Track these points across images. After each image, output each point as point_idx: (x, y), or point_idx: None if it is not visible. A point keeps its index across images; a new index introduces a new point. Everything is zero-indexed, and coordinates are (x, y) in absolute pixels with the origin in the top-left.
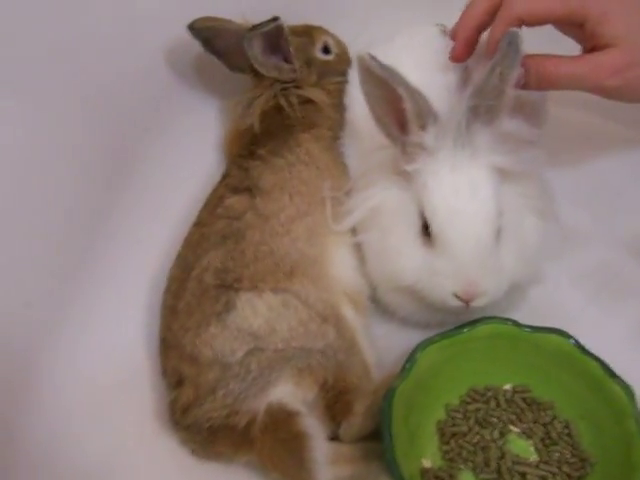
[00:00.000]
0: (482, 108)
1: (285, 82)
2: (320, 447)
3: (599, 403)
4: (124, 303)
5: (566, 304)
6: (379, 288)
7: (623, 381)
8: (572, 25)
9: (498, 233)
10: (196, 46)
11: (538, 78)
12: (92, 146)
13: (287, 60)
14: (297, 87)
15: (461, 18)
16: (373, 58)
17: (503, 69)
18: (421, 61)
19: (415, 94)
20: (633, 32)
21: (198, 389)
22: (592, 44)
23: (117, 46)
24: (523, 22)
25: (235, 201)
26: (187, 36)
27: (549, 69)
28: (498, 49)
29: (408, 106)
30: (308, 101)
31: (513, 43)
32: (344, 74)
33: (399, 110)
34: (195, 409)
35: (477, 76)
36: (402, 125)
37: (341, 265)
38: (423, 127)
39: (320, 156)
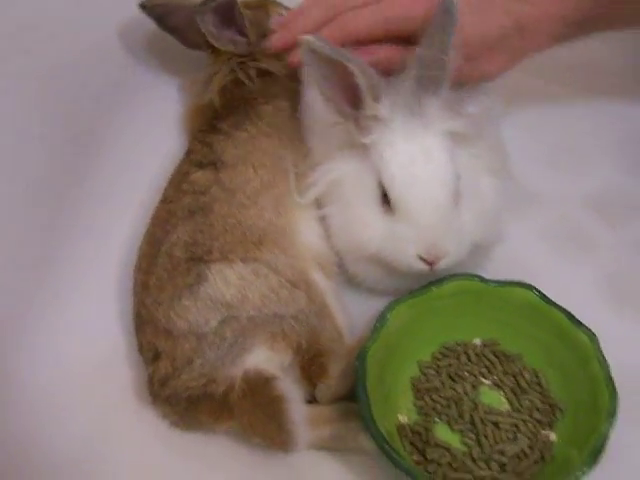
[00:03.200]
0: (427, 78)
1: (242, 56)
2: (298, 409)
3: (565, 351)
4: (95, 283)
5: (530, 260)
6: (345, 259)
7: (587, 328)
8: None
9: (456, 196)
10: (151, 24)
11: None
12: (50, 129)
13: (242, 33)
14: (254, 60)
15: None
16: (319, 39)
17: (442, 37)
18: None
19: (366, 68)
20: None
21: (175, 361)
22: None
23: (72, 27)
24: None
25: (200, 176)
26: (141, 15)
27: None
28: (434, 18)
29: (360, 81)
30: (266, 73)
31: (448, 11)
32: None
33: (350, 86)
34: (173, 381)
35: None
36: (354, 100)
37: (308, 232)
38: (377, 99)
39: (282, 127)
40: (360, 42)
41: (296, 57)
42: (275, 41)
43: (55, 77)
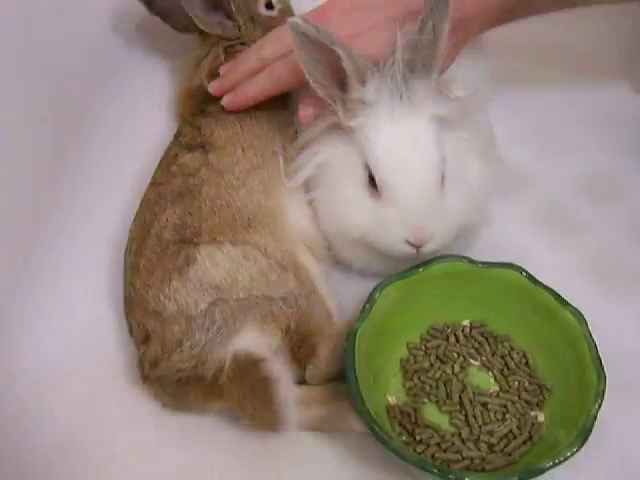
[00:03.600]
0: (417, 62)
1: (230, 39)
2: (287, 390)
3: (553, 331)
4: (86, 266)
5: (517, 241)
6: (333, 242)
7: (574, 308)
8: None
9: (442, 179)
10: (141, 8)
11: None
12: (41, 112)
13: (230, 17)
14: (242, 44)
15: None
16: (307, 22)
17: (434, 22)
18: None
19: (352, 52)
20: None
21: (165, 343)
22: None
23: (61, 11)
24: None
25: (189, 158)
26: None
27: None
28: (427, 3)
29: (347, 65)
30: None
31: None
32: None
33: (337, 69)
34: (163, 362)
35: (409, 30)
36: (341, 83)
37: (297, 215)
38: (363, 82)
39: (270, 110)
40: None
41: (231, 103)
42: (214, 89)
43: (44, 61)
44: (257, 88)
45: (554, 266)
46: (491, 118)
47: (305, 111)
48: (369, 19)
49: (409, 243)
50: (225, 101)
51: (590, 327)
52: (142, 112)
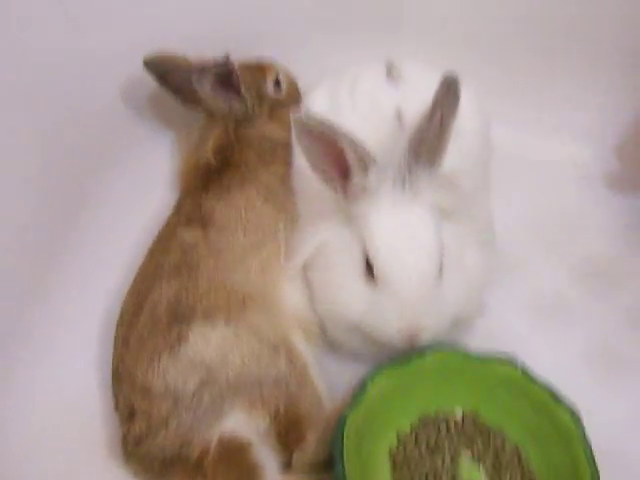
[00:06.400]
0: (424, 151)
1: (237, 117)
2: (273, 478)
3: (547, 428)
4: (77, 335)
5: (512, 331)
6: (327, 325)
7: (569, 404)
8: None
9: (440, 269)
10: (150, 81)
11: None
12: (46, 180)
13: (238, 95)
14: (249, 122)
15: None
16: (309, 116)
17: (443, 113)
18: (363, 106)
19: (355, 142)
20: None
21: (150, 421)
22: None
23: (72, 80)
24: None
25: (188, 233)
26: (141, 71)
27: None
28: (436, 94)
29: (350, 154)
30: (263, 137)
31: (451, 88)
32: (295, 107)
33: (340, 158)
34: (148, 441)
35: (416, 119)
36: (343, 171)
37: (292, 296)
38: (365, 171)
39: (278, 193)
40: None
41: None
42: None
43: (53, 129)
44: None
45: (549, 355)
46: (490, 206)
47: None
48: None
49: (403, 334)
50: None
51: (585, 420)
52: (144, 182)
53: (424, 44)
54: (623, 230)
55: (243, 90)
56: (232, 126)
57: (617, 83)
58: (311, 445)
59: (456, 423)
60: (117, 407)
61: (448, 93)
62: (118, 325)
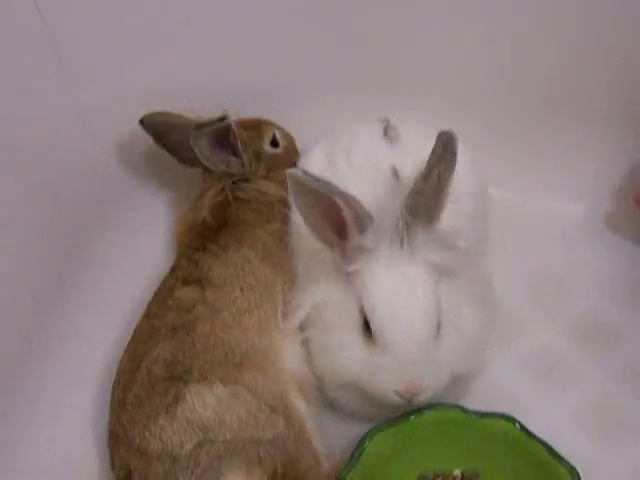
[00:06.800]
0: (421, 209)
1: (234, 175)
2: None
3: None
4: (72, 397)
5: (511, 389)
6: (325, 384)
7: (569, 463)
8: None
9: (438, 328)
10: (146, 139)
11: None
12: (41, 240)
13: (235, 154)
14: (246, 180)
15: None
16: (306, 173)
17: (440, 171)
18: (360, 165)
19: (352, 201)
20: None
21: None
22: None
23: (67, 139)
24: None
25: (185, 293)
26: (137, 130)
27: None
28: (433, 151)
29: (347, 213)
30: (260, 195)
31: (448, 146)
32: (292, 166)
33: (336, 217)
34: None
35: (413, 177)
36: (340, 230)
37: (290, 355)
38: (362, 230)
39: (276, 252)
40: None
41: None
42: None
43: (49, 186)
44: None
45: (548, 415)
46: (487, 260)
47: None
48: None
49: (402, 394)
50: None
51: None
52: (141, 241)
53: (420, 105)
54: (620, 289)
55: (240, 148)
56: (229, 185)
57: (612, 144)
58: None
59: None
60: (113, 467)
61: (445, 150)
62: (114, 386)
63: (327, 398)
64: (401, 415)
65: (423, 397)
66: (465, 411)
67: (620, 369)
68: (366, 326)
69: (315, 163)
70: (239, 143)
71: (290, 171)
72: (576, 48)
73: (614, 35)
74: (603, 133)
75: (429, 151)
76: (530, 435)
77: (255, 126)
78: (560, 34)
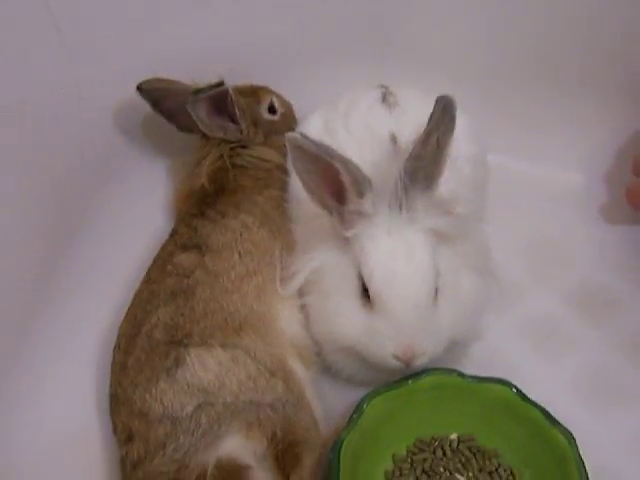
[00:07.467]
0: (420, 173)
1: (232, 142)
2: None
3: (541, 449)
4: (74, 360)
5: (508, 355)
6: (323, 349)
7: (563, 427)
8: None
9: (436, 293)
10: (144, 106)
11: None
12: (40, 206)
13: (233, 120)
14: (244, 147)
15: None
16: (305, 137)
17: (439, 136)
18: (358, 131)
19: (351, 165)
20: None
21: (148, 444)
22: None
23: (65, 106)
24: None
25: (184, 258)
26: (135, 96)
27: None
28: (432, 115)
29: (345, 178)
30: (258, 161)
31: (447, 110)
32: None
33: (335, 182)
34: (145, 464)
35: (412, 143)
36: (339, 195)
37: (289, 320)
38: (360, 195)
39: (274, 217)
40: None
41: None
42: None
43: (47, 152)
44: None
45: (545, 381)
46: (485, 228)
47: None
48: None
49: (399, 358)
50: None
51: (580, 445)
52: (139, 207)
53: (419, 74)
54: (618, 257)
55: (238, 115)
56: (227, 151)
57: (611, 112)
58: (307, 468)
59: (452, 446)
60: (115, 431)
61: (444, 114)
62: (115, 350)
63: (325, 363)
64: (399, 379)
65: (420, 361)
66: (462, 376)
67: (617, 336)
68: (364, 291)
69: (313, 129)
70: (236, 109)
71: (289, 135)
72: (575, 15)
73: (614, 1)
74: (602, 101)
75: (428, 117)
76: (526, 400)
77: (253, 93)
78: (559, 0)
